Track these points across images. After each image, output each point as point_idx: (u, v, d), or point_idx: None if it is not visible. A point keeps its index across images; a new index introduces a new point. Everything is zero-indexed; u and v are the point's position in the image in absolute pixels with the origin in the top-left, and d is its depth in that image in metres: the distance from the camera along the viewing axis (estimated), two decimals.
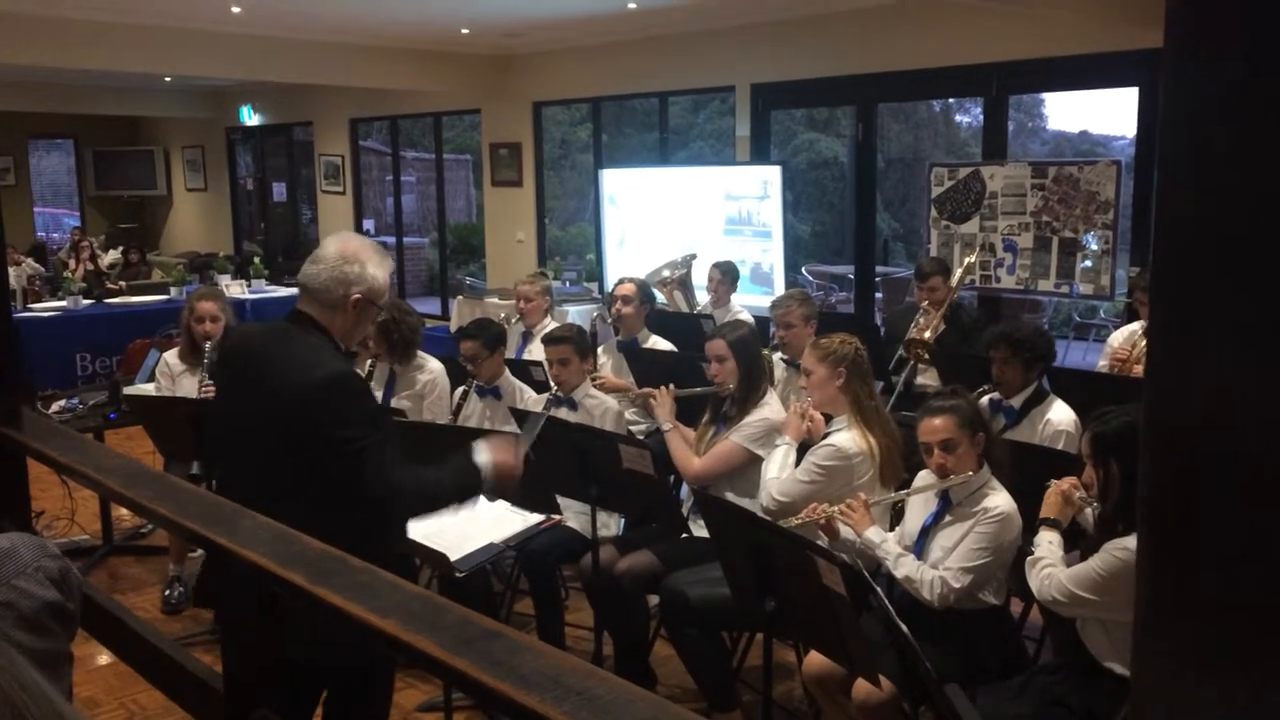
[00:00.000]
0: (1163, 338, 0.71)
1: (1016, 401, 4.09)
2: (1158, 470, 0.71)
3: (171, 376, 4.92)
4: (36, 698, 0.61)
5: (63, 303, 9.30)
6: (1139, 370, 4.59)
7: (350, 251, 2.62)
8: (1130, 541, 2.61)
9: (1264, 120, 0.65)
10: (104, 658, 3.99)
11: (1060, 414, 3.98)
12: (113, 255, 12.26)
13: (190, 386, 4.77)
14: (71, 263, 11.45)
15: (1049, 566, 2.80)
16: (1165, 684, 0.72)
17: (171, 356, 4.99)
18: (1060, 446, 3.75)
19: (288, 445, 2.46)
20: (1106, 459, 2.72)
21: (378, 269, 2.64)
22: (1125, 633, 2.68)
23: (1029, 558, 2.89)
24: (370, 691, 2.71)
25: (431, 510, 2.70)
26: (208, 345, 4.75)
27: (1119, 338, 5.13)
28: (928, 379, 5.46)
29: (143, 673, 2.42)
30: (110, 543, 5.39)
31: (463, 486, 2.67)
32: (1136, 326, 5.02)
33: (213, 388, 4.65)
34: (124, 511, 5.59)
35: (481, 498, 3.20)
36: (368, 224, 13.72)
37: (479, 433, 4.06)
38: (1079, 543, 2.98)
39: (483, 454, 2.67)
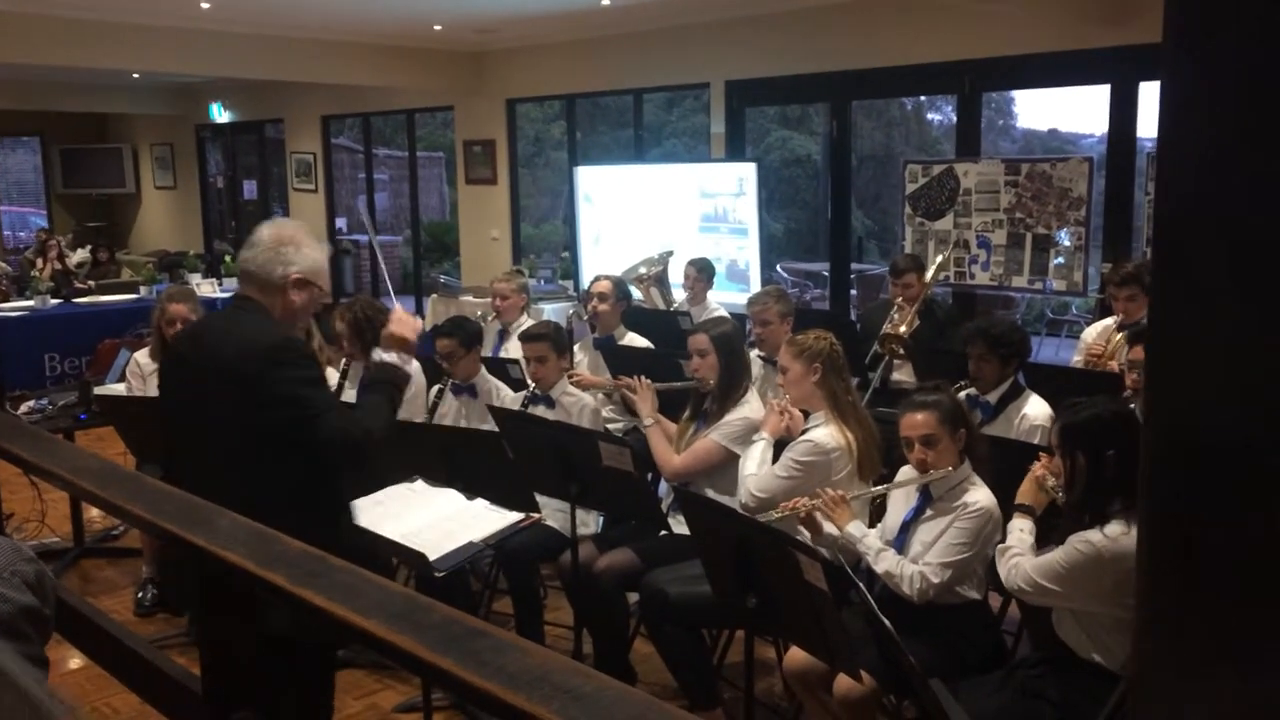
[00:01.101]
0: (1162, 337, 0.71)
1: (993, 397, 4.12)
2: (1157, 469, 0.71)
3: (142, 376, 4.87)
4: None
5: (30, 302, 9.18)
6: (1113, 365, 4.63)
7: (285, 234, 2.69)
8: (1094, 535, 2.62)
9: (1262, 118, 0.65)
10: (77, 661, 3.94)
11: (1036, 409, 4.00)
12: (81, 254, 12.11)
13: None
14: (39, 262, 11.30)
15: (1017, 555, 2.82)
16: (1167, 683, 0.72)
17: (142, 356, 4.94)
18: (1037, 441, 3.78)
19: (241, 417, 2.51)
20: (1073, 450, 2.73)
21: (313, 250, 2.70)
22: (1098, 625, 2.70)
23: (999, 546, 2.91)
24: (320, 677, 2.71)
25: (390, 425, 2.74)
26: (174, 349, 4.70)
27: (1093, 333, 5.17)
28: (903, 374, 5.48)
29: (118, 675, 2.39)
30: (82, 545, 5.32)
31: (388, 385, 2.77)
32: (1110, 322, 5.05)
33: None
34: (95, 513, 5.53)
35: (459, 495, 3.18)
36: (340, 222, 13.62)
37: (455, 431, 4.05)
38: (1050, 534, 3.00)
39: (378, 353, 2.82)
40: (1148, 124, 6.75)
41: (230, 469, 2.51)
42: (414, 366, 4.74)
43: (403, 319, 2.90)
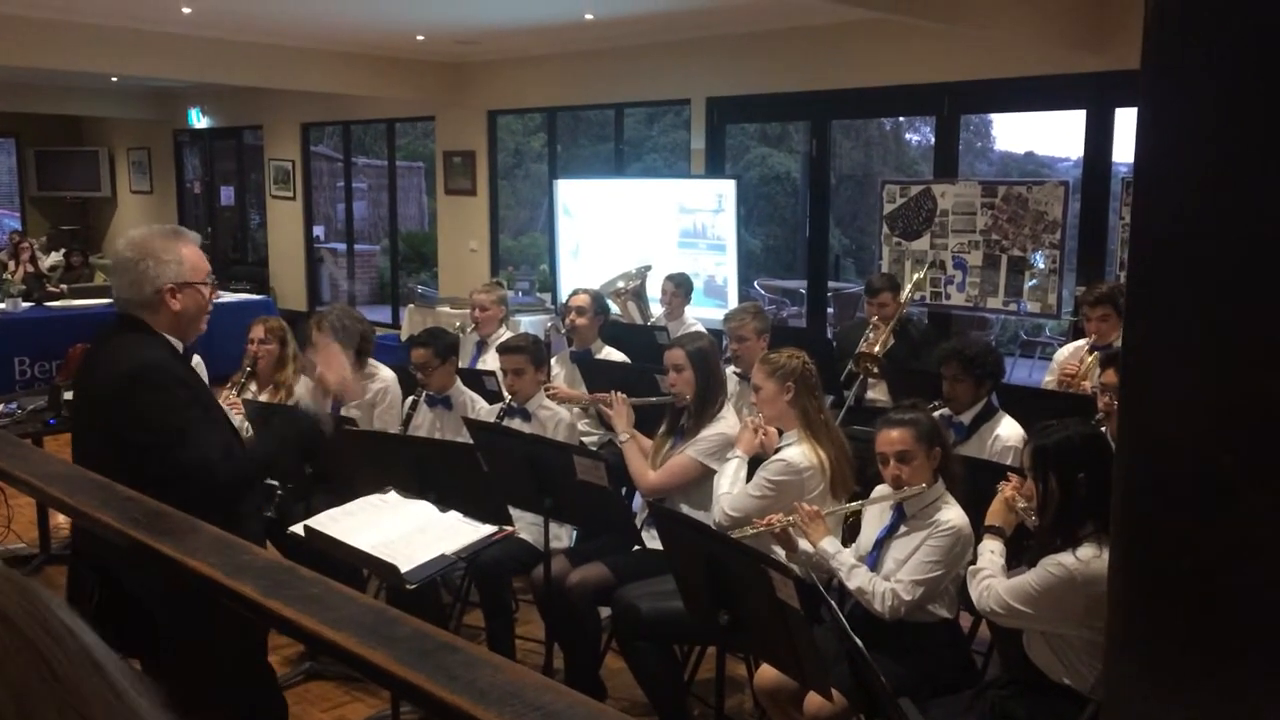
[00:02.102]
0: (1136, 356, 0.72)
1: (966, 417, 4.14)
2: (1129, 493, 0.72)
3: None
4: (68, 649, 0.56)
5: (1, 305, 9.08)
6: (1086, 386, 4.66)
7: (137, 248, 2.61)
8: (1066, 558, 2.64)
9: (1239, 144, 0.66)
10: None
11: (1009, 430, 4.03)
12: (54, 258, 12.00)
13: None
14: (11, 265, 11.18)
15: (989, 577, 2.83)
16: (1137, 706, 0.72)
17: None
18: (1009, 462, 3.80)
19: (105, 441, 2.53)
20: (1045, 473, 2.75)
21: (169, 253, 2.62)
22: (1069, 647, 2.71)
23: (970, 567, 2.92)
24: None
25: (266, 464, 2.76)
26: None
27: (1065, 354, 5.21)
28: (878, 393, 5.51)
29: None
30: (48, 551, 5.26)
31: (291, 426, 2.80)
32: (1083, 343, 5.10)
33: None
34: (62, 519, 5.46)
35: (432, 507, 3.17)
36: (318, 230, 13.56)
37: (429, 442, 4.03)
38: (1022, 555, 3.01)
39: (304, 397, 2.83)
40: (1123, 149, 6.83)
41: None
42: (388, 374, 4.76)
43: (333, 360, 2.87)
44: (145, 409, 2.46)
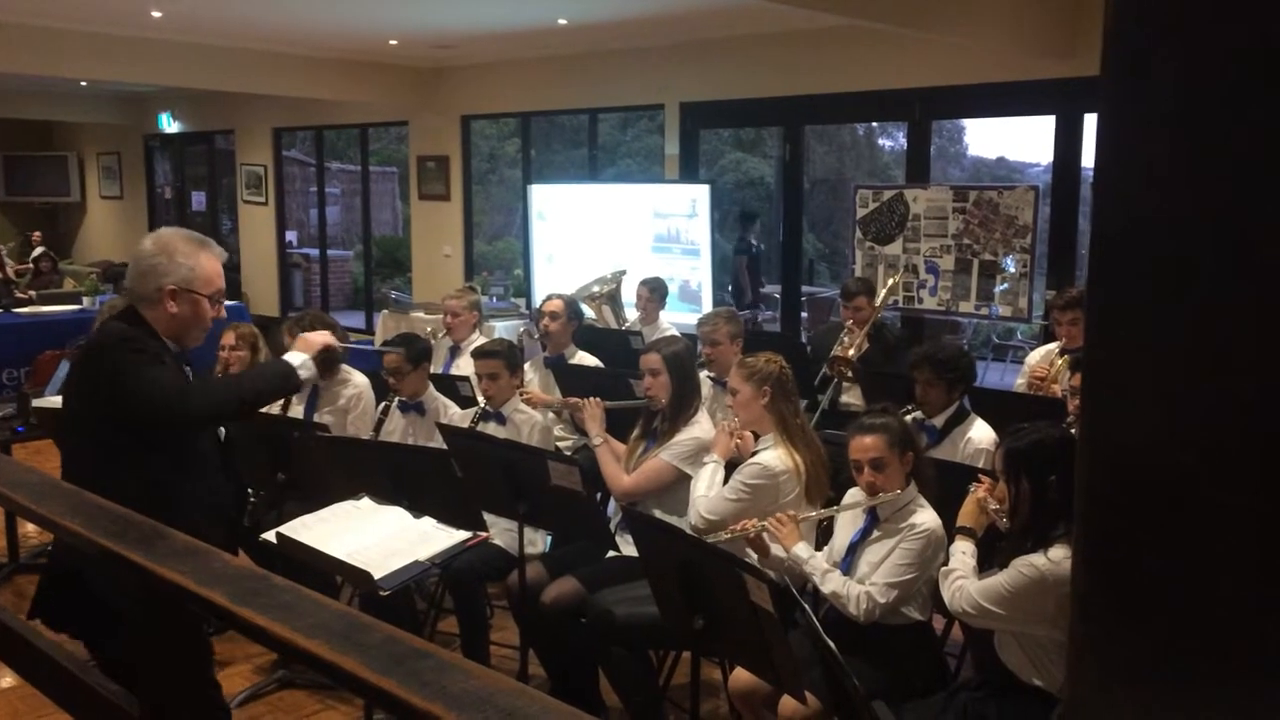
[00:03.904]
0: (1097, 358, 0.73)
1: (939, 421, 4.16)
2: (1094, 488, 0.72)
3: None
4: None
5: None
6: (1056, 389, 4.70)
7: (160, 244, 2.68)
8: (1037, 559, 2.66)
9: (1195, 149, 0.67)
10: (8, 680, 3.85)
11: (981, 433, 4.06)
12: (36, 250, 11.79)
13: None
14: None
15: (960, 578, 2.84)
16: (1100, 704, 0.73)
17: None
18: (981, 464, 3.82)
19: (79, 411, 2.63)
20: (1017, 475, 2.77)
21: (188, 258, 2.66)
22: (1040, 648, 2.73)
23: (942, 569, 2.93)
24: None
25: (253, 402, 2.74)
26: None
27: (1036, 357, 5.25)
28: (852, 397, 5.53)
29: (51, 696, 2.33)
30: (16, 560, 5.20)
31: (276, 374, 2.79)
32: (1053, 347, 5.14)
33: None
34: (31, 528, 5.40)
35: (405, 513, 3.15)
36: (290, 235, 13.49)
37: (403, 448, 4.01)
38: (993, 557, 3.03)
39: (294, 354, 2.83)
40: (1092, 154, 6.89)
41: (80, 468, 2.58)
42: (361, 380, 4.73)
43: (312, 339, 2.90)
44: (112, 364, 2.53)
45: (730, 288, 9.87)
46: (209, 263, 2.69)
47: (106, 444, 2.58)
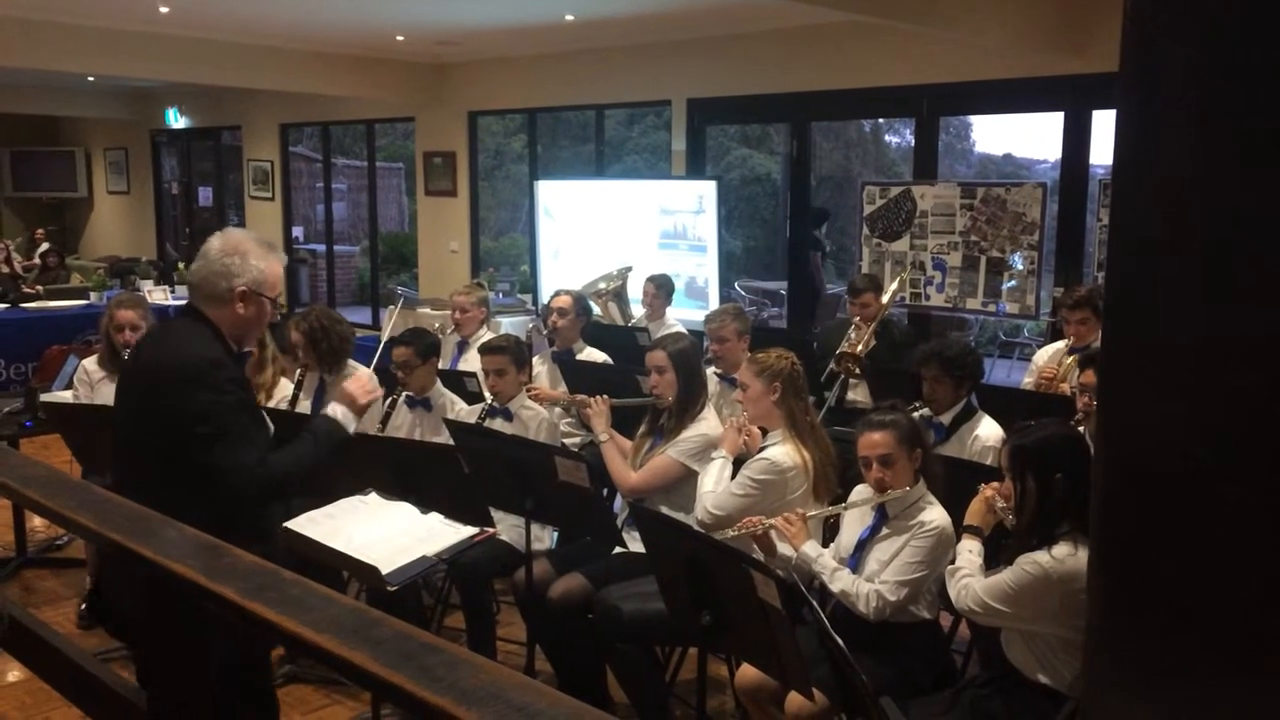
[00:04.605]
0: (1114, 355, 0.73)
1: (946, 418, 4.15)
2: (1108, 495, 0.72)
3: (90, 384, 4.78)
4: None
5: None
6: (1064, 388, 4.70)
7: (232, 244, 2.67)
8: (1042, 556, 2.66)
9: (1214, 146, 0.67)
10: (16, 673, 3.86)
11: (988, 430, 4.05)
12: (41, 245, 11.79)
13: (109, 394, 4.61)
14: None
15: (967, 576, 2.84)
16: (1115, 704, 0.73)
17: (91, 363, 4.86)
18: (989, 462, 3.82)
19: (152, 431, 2.54)
20: (1023, 472, 2.77)
21: (260, 260, 2.67)
22: (1045, 645, 2.73)
23: (949, 567, 2.93)
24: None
25: (302, 473, 2.75)
26: (128, 353, 4.64)
27: (1044, 356, 5.24)
28: (858, 394, 5.52)
29: (59, 689, 2.34)
30: (24, 554, 5.21)
31: (321, 435, 2.78)
32: (1061, 345, 5.13)
33: None
34: (39, 522, 5.42)
35: (413, 509, 3.15)
36: (297, 231, 13.50)
37: (410, 443, 4.02)
38: (1000, 555, 3.03)
39: (333, 407, 2.84)
40: (1100, 151, 6.88)
41: (152, 483, 2.50)
42: (365, 373, 4.73)
43: (362, 382, 2.92)
44: (202, 404, 2.49)
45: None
46: (275, 266, 2.72)
47: (190, 464, 2.52)
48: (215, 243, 2.68)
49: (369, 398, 2.91)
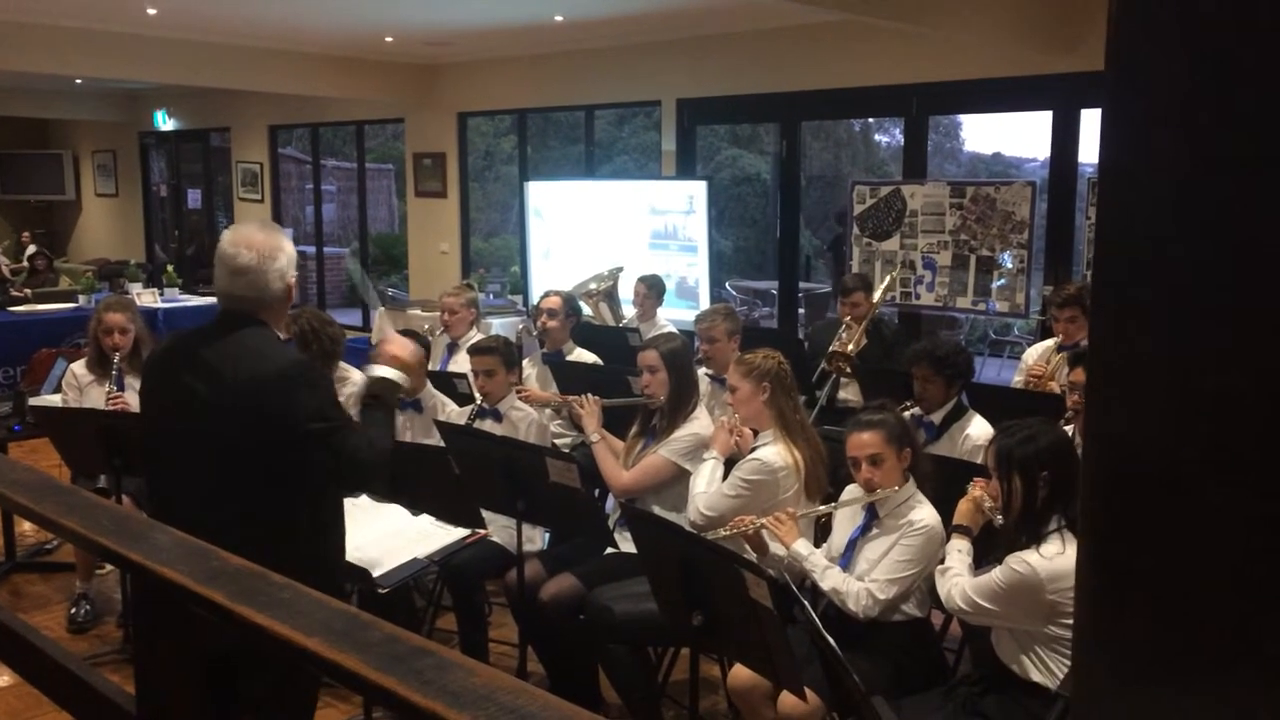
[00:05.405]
0: (1102, 356, 0.73)
1: (937, 417, 4.17)
2: (1096, 494, 0.72)
3: (79, 388, 4.76)
4: None
5: None
6: (1054, 386, 4.71)
7: (266, 241, 2.59)
8: (1030, 555, 2.66)
9: (1202, 144, 0.67)
10: (6, 679, 3.84)
11: (979, 429, 4.06)
12: (29, 249, 11.74)
13: (98, 398, 4.62)
14: None
15: (955, 575, 2.85)
16: (1106, 696, 0.73)
17: (79, 367, 4.84)
18: (980, 460, 3.82)
19: (252, 439, 2.43)
20: (1009, 472, 2.77)
21: (287, 246, 2.65)
22: (1035, 643, 2.74)
23: (938, 566, 2.94)
24: (289, 700, 2.64)
25: (393, 440, 2.78)
26: (116, 357, 4.63)
27: (1034, 354, 5.26)
28: (849, 393, 5.53)
29: (49, 694, 2.32)
30: (13, 559, 5.19)
31: (385, 402, 2.77)
32: (1051, 343, 5.14)
33: (121, 399, 4.52)
34: (28, 526, 5.40)
35: (404, 511, 3.15)
36: (287, 232, 13.45)
37: (401, 445, 4.01)
38: (989, 554, 3.04)
39: (374, 369, 2.79)
40: (1089, 150, 6.90)
41: (230, 492, 2.45)
42: (359, 377, 4.72)
43: (401, 339, 2.92)
44: (311, 403, 2.46)
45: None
46: (290, 243, 2.70)
47: (274, 474, 2.46)
48: (246, 253, 2.54)
49: (414, 355, 2.90)
